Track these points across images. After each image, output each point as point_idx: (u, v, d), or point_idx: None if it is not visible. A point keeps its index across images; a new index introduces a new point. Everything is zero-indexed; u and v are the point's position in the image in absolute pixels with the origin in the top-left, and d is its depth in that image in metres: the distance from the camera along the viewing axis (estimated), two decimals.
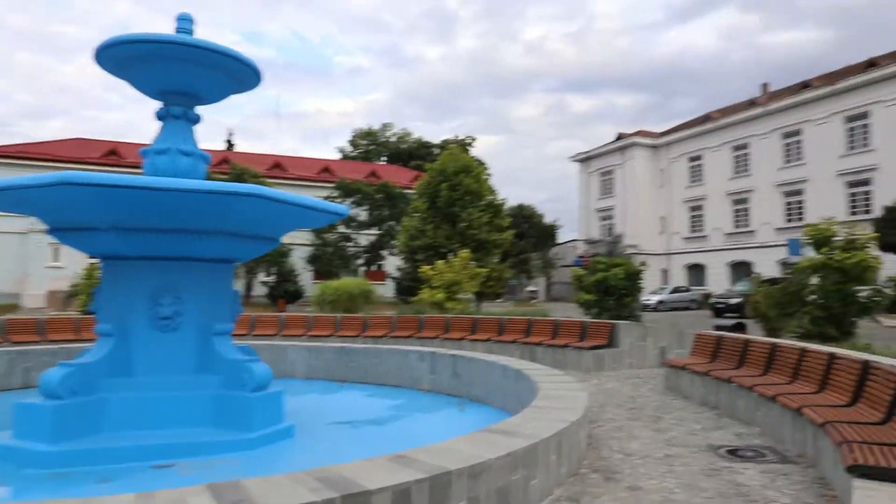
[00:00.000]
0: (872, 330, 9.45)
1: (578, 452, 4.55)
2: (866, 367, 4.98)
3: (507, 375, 6.77)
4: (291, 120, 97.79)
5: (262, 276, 31.23)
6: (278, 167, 39.37)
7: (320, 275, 31.13)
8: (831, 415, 4.46)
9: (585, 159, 47.38)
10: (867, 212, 27.99)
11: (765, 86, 39.20)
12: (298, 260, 31.66)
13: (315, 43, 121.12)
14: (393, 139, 60.37)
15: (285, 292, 29.89)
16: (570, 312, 16.51)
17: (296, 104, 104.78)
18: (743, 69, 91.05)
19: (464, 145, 50.88)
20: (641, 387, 8.46)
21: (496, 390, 7.01)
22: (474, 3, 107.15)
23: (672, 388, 8.18)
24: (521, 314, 14.49)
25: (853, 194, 30.23)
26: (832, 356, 5.66)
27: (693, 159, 40.23)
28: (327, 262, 31.81)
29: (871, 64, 30.60)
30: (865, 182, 29.61)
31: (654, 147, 43.00)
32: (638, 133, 44.22)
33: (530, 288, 45.15)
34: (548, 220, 47.86)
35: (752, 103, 37.69)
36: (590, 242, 42.19)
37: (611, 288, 12.68)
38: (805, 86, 34.33)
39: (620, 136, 44.40)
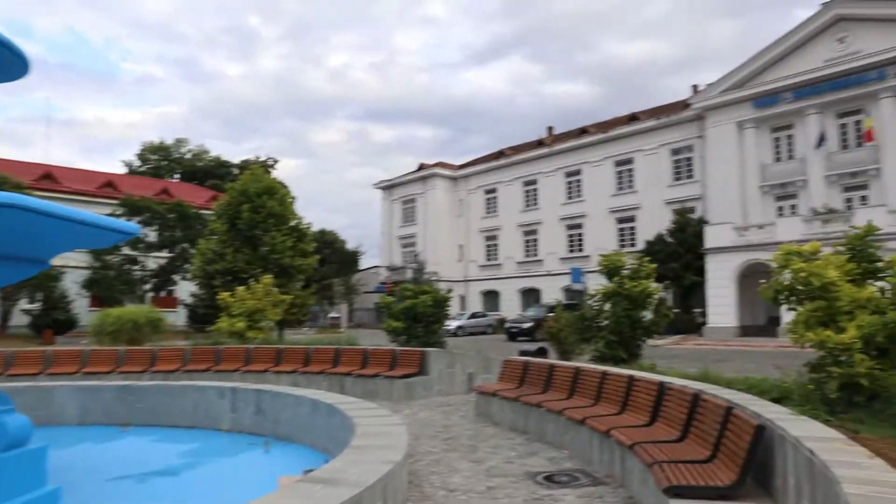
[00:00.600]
0: (647, 350, 10.72)
1: (402, 493, 4.35)
2: (662, 387, 5.34)
3: (318, 410, 6.38)
4: (65, 127, 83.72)
5: (23, 304, 26.40)
6: (49, 178, 33.11)
7: (99, 301, 27.06)
8: (637, 436, 4.69)
9: (388, 187, 48.72)
10: (633, 245, 32.93)
11: (549, 129, 45.04)
12: (72, 284, 27.24)
13: (97, 45, 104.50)
14: (188, 156, 55.47)
15: (54, 322, 25.59)
16: (374, 339, 16.50)
17: (71, 110, 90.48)
18: (529, 112, 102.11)
19: (266, 166, 48.72)
20: (453, 414, 8.56)
21: (306, 427, 6.54)
22: (277, 24, 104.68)
23: (483, 414, 8.30)
24: (328, 342, 14.10)
25: (622, 229, 35.97)
26: (631, 378, 6.00)
27: (488, 192, 44.06)
28: (108, 286, 27.86)
29: (633, 117, 37.23)
30: (631, 219, 35.50)
31: (454, 179, 46.02)
32: (438, 164, 46.92)
33: (332, 315, 44.77)
34: (350, 245, 48.44)
35: (539, 143, 42.71)
36: (392, 269, 43.31)
37: (419, 315, 12.89)
38: (583, 131, 39.46)
39: (422, 167, 46.69)
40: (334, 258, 43.21)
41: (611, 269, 10.53)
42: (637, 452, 4.28)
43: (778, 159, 29.53)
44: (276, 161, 54.91)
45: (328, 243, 42.59)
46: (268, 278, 16.47)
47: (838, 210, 24.53)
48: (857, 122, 26.89)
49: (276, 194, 23.42)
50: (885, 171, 25.55)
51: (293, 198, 24.74)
